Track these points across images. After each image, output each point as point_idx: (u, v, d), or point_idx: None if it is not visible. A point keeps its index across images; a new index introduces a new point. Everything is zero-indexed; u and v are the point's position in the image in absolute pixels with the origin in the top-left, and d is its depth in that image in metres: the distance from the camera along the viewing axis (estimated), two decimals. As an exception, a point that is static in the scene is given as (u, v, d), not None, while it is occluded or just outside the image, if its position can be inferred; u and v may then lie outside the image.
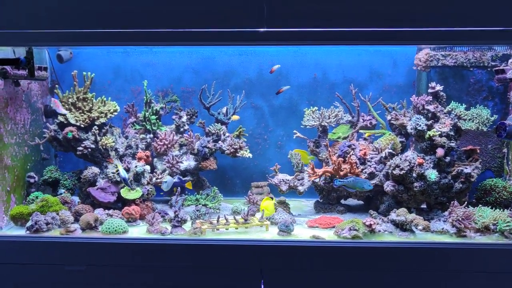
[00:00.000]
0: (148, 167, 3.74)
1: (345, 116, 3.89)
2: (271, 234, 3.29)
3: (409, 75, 4.03)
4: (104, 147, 3.68)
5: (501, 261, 2.96)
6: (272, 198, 3.64)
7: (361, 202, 3.90)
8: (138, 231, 3.35)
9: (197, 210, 3.51)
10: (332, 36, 2.94)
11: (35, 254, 3.10)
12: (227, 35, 2.91)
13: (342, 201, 3.86)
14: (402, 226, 3.23)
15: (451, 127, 3.39)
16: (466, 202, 3.39)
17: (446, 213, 3.32)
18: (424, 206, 3.56)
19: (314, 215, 3.70)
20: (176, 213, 3.32)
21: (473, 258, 2.95)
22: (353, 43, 3.26)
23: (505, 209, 3.28)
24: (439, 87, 3.46)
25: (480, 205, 3.35)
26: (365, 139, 3.87)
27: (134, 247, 3.11)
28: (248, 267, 3.02)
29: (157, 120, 3.97)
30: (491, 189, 3.52)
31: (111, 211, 3.51)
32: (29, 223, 3.26)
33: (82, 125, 3.68)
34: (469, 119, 3.42)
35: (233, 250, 3.06)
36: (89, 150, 3.64)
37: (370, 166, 3.59)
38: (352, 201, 3.92)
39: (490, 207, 3.34)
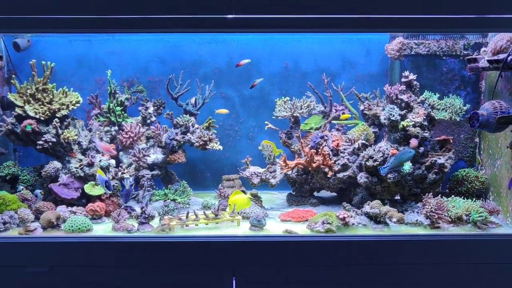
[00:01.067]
0: (113, 161, 3.57)
1: (317, 107, 3.79)
2: (243, 229, 3.19)
3: (382, 64, 3.96)
4: (66, 140, 3.49)
5: (475, 252, 2.94)
6: (244, 192, 3.53)
7: (334, 194, 3.82)
8: (103, 229, 3.20)
9: (166, 206, 3.37)
10: (303, 24, 2.84)
11: None
12: (195, 22, 2.77)
13: (315, 193, 3.79)
14: (376, 219, 3.17)
15: (424, 117, 3.34)
16: (439, 193, 3.37)
17: (420, 204, 3.28)
18: (398, 197, 3.50)
19: (287, 208, 3.62)
20: (143, 209, 3.19)
21: (447, 250, 2.93)
22: (325, 30, 3.19)
23: (477, 199, 3.26)
24: (412, 76, 3.40)
25: (452, 196, 3.32)
26: (337, 129, 3.79)
27: (99, 246, 2.97)
28: (219, 264, 2.93)
29: (122, 112, 3.79)
30: (463, 179, 3.50)
31: (74, 208, 3.34)
32: None
33: (42, 118, 3.48)
34: (443, 109, 3.38)
35: (203, 247, 2.95)
36: (50, 144, 3.45)
37: (343, 157, 3.52)
38: (325, 193, 3.85)
39: (462, 197, 3.33)
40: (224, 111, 3.80)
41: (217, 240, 3.03)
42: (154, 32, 3.40)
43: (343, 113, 3.82)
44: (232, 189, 3.89)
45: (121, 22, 2.84)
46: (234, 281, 2.93)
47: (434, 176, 3.32)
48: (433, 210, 3.12)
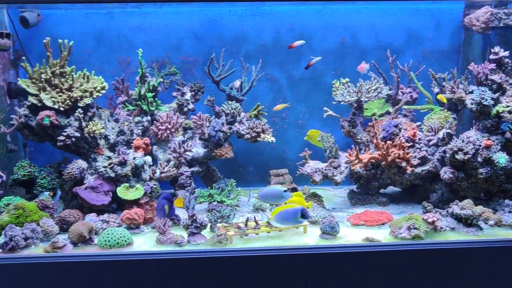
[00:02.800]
0: (149, 158, 3.01)
1: (384, 89, 3.26)
2: (312, 237, 2.72)
3: (454, 39, 3.50)
4: (91, 134, 2.92)
5: None
6: (295, 189, 3.03)
7: (399, 190, 3.34)
8: (145, 241, 2.68)
9: (217, 211, 2.82)
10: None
11: (14, 280, 2.41)
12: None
13: (382, 191, 3.30)
14: (466, 221, 2.72)
15: (520, 101, 2.86)
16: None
17: (509, 202, 2.84)
18: (482, 195, 3.03)
19: (351, 208, 3.19)
20: (194, 216, 2.64)
21: None
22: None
23: None
24: (503, 53, 2.90)
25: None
26: (405, 116, 3.28)
27: (144, 264, 2.46)
28: (290, 280, 2.48)
29: (155, 99, 3.20)
30: None
31: (106, 216, 2.82)
32: (1, 240, 2.54)
33: (62, 108, 2.91)
34: (544, 90, 2.88)
35: (269, 261, 2.48)
36: (73, 139, 2.87)
37: (421, 149, 3.01)
38: (389, 190, 3.36)
39: None
40: (282, 106, 3.27)
41: (287, 253, 2.55)
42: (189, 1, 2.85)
43: (411, 96, 3.30)
44: (282, 186, 3.38)
45: None
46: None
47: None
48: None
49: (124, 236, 2.61)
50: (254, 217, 2.76)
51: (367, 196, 3.22)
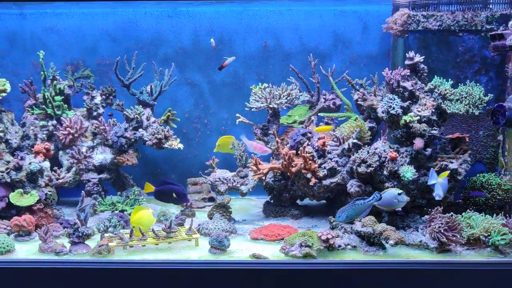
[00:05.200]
0: (47, 164, 2.95)
1: (301, 95, 3.09)
2: (202, 251, 2.59)
3: (383, 43, 3.34)
4: (-11, 138, 2.86)
5: (496, 284, 2.35)
6: (213, 199, 2.88)
7: (322, 201, 3.15)
8: (28, 249, 2.61)
9: (107, 220, 2.71)
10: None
11: None
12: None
13: (299, 202, 3.13)
14: (368, 239, 2.54)
15: (433, 110, 2.70)
16: (451, 205, 2.69)
17: (426, 218, 2.65)
18: (399, 209, 2.81)
19: (263, 221, 3.06)
20: (76, 225, 2.54)
21: (460, 280, 2.34)
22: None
23: (499, 214, 2.60)
24: (418, 58, 2.72)
25: (468, 210, 2.65)
26: (327, 123, 3.09)
27: (20, 272, 2.38)
28: None
29: (62, 102, 3.12)
30: (482, 187, 2.83)
31: (-3, 222, 2.72)
32: None
33: (-41, 111, 2.84)
34: (457, 100, 2.66)
35: (149, 275, 2.36)
36: (-32, 142, 2.81)
37: (331, 159, 2.83)
38: (308, 201, 3.17)
39: (480, 209, 2.76)
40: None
41: (166, 267, 2.41)
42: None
43: (334, 103, 3.12)
44: (200, 195, 3.25)
45: None
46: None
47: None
48: (442, 230, 2.45)
49: (3, 243, 2.54)
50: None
51: (280, 208, 3.06)
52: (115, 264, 2.42)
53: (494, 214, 2.64)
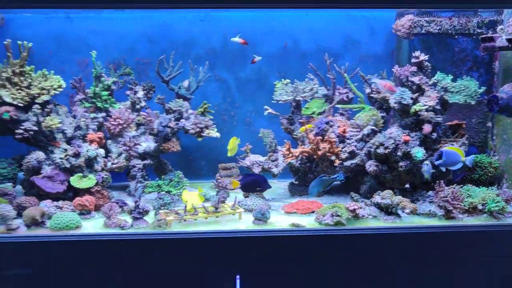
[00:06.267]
0: (101, 151, 3.28)
1: (320, 90, 3.55)
2: (246, 223, 2.97)
3: (388, 44, 3.76)
4: (48, 128, 3.18)
5: (491, 243, 2.82)
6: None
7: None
8: (93, 225, 2.94)
9: (161, 199, 3.10)
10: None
11: None
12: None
13: (319, 182, 3.56)
14: (387, 210, 2.99)
15: (437, 101, 3.14)
16: (450, 181, 3.19)
17: (432, 193, 3.10)
18: (407, 186, 3.31)
19: (290, 199, 3.42)
20: (137, 203, 2.92)
21: (463, 241, 2.79)
22: (330, 6, 2.93)
23: (491, 186, 3.10)
24: (423, 57, 3.19)
25: (465, 184, 3.15)
26: (341, 114, 3.56)
27: (89, 244, 2.72)
28: (222, 262, 2.72)
29: (109, 97, 3.48)
30: (476, 166, 3.33)
31: (60, 203, 3.07)
32: None
33: (21, 104, 3.16)
34: (456, 92, 3.17)
35: (204, 243, 2.74)
36: (31, 133, 3.13)
37: (350, 144, 3.30)
38: (329, 182, 3.63)
39: (475, 184, 3.19)
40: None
41: (220, 235, 2.81)
42: (148, 8, 3.08)
43: (347, 96, 3.59)
44: (230, 178, 3.65)
45: None
46: (238, 279, 2.71)
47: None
48: (448, 200, 2.94)
49: (73, 220, 2.85)
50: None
51: (305, 188, 3.47)
52: (174, 235, 2.78)
53: (489, 187, 3.14)
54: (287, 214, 3.11)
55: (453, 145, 3.10)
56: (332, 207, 2.97)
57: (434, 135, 3.12)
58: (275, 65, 3.79)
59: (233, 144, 3.31)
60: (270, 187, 3.21)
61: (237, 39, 3.32)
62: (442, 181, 3.02)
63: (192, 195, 3.01)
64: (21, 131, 3.13)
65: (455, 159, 2.98)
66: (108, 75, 3.60)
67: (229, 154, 3.32)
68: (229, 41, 3.61)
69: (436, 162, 2.98)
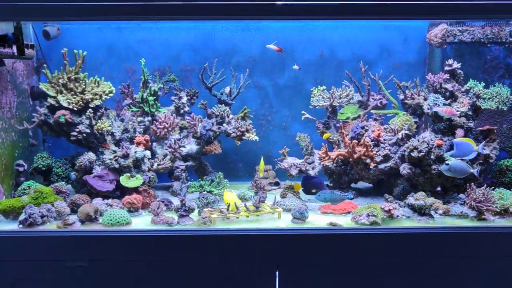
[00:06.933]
0: (148, 152, 3.48)
1: (355, 96, 3.70)
2: (285, 222, 3.11)
3: (420, 52, 3.87)
4: (99, 131, 3.41)
5: None
6: (278, 183, 3.49)
7: (370, 185, 3.75)
8: (141, 222, 3.11)
9: (204, 198, 3.29)
10: (351, 10, 2.74)
11: (31, 250, 2.83)
12: (242, 8, 2.66)
13: (352, 185, 3.70)
14: (420, 211, 3.09)
15: (469, 107, 3.25)
16: (485, 184, 3.29)
17: (463, 195, 3.20)
18: (439, 188, 3.42)
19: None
20: (183, 201, 3.10)
21: (495, 242, 2.86)
22: (366, 17, 3.06)
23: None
24: (456, 65, 3.31)
25: (495, 187, 3.24)
26: (375, 119, 3.70)
27: (140, 239, 2.88)
28: (262, 257, 2.85)
29: (155, 102, 3.69)
30: (507, 170, 3.42)
31: (110, 201, 3.26)
32: (22, 217, 2.98)
33: (75, 108, 3.39)
34: (489, 98, 3.28)
35: (246, 240, 2.87)
36: (84, 135, 3.36)
37: (385, 148, 3.43)
38: (361, 185, 3.77)
39: (506, 187, 3.26)
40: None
41: (260, 233, 2.95)
42: (198, 19, 3.29)
43: (381, 102, 3.73)
44: (267, 180, 3.82)
45: (160, 9, 2.73)
46: (277, 275, 2.85)
47: (479, 167, 3.24)
48: (480, 201, 3.04)
49: (124, 217, 3.04)
50: (235, 203, 3.19)
51: (339, 190, 3.63)
52: (218, 231, 2.91)
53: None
54: (324, 214, 3.25)
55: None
56: (368, 208, 3.11)
57: (466, 139, 3.24)
58: (311, 73, 3.94)
59: (263, 165, 3.49)
60: (325, 188, 3.38)
61: (272, 46, 3.50)
62: (473, 183, 3.13)
63: (233, 195, 3.19)
64: (75, 133, 3.36)
65: (467, 149, 3.02)
66: (153, 82, 3.82)
67: (260, 175, 3.50)
68: (268, 49, 3.78)
69: (449, 153, 3.05)
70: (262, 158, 3.50)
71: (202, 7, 2.71)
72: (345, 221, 3.06)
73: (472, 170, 3.07)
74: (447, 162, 3.12)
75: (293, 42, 3.89)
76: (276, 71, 3.93)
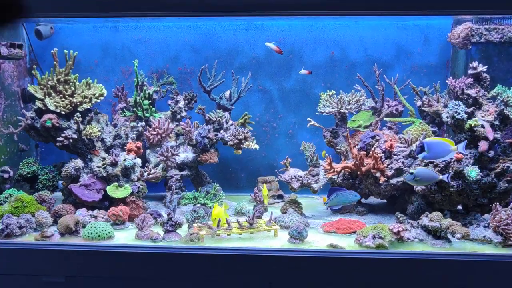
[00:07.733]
0: (139, 160, 3.25)
1: (367, 102, 3.35)
2: (281, 241, 2.84)
3: (443, 54, 3.52)
4: (88, 137, 3.20)
5: None
6: (281, 196, 3.20)
7: (384, 201, 3.39)
8: (125, 236, 2.91)
9: (195, 211, 3.01)
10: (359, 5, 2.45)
11: (6, 263, 2.68)
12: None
13: (363, 200, 3.36)
14: (435, 233, 2.75)
15: (496, 116, 2.87)
16: (509, 204, 2.89)
17: (487, 216, 2.83)
18: (459, 207, 3.03)
19: (330, 217, 3.26)
20: (170, 215, 2.84)
21: None
22: (383, 13, 2.76)
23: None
24: (481, 68, 2.93)
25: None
26: (390, 128, 3.34)
27: (120, 256, 2.68)
28: (254, 281, 2.61)
29: (150, 106, 3.46)
30: (539, 188, 2.98)
31: (95, 212, 3.08)
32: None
33: (63, 112, 3.20)
34: (519, 106, 2.88)
35: (236, 260, 2.63)
36: (71, 140, 3.15)
37: (397, 160, 3.07)
38: (373, 199, 3.42)
39: None
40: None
41: (252, 253, 2.68)
42: (198, 16, 3.04)
43: (396, 109, 3.37)
44: (269, 192, 3.52)
45: (157, 5, 2.56)
46: (270, 300, 2.59)
47: (506, 185, 2.85)
48: (507, 224, 2.65)
49: (105, 230, 2.83)
50: (226, 219, 2.91)
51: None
52: (205, 250, 2.68)
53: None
54: (326, 233, 2.94)
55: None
56: (375, 228, 2.77)
57: (491, 153, 2.85)
58: (320, 76, 3.64)
59: (266, 191, 3.17)
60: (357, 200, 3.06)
61: (272, 46, 3.20)
62: (498, 203, 2.74)
63: (221, 209, 2.90)
64: (61, 138, 3.16)
65: (441, 149, 2.67)
66: (150, 84, 3.58)
67: (265, 202, 3.19)
68: (272, 50, 3.50)
69: (420, 156, 2.72)
70: (265, 185, 3.20)
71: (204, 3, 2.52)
72: (348, 243, 2.79)
73: (441, 177, 2.75)
74: (411, 171, 2.81)
75: (301, 43, 3.62)
76: (282, 73, 3.66)
